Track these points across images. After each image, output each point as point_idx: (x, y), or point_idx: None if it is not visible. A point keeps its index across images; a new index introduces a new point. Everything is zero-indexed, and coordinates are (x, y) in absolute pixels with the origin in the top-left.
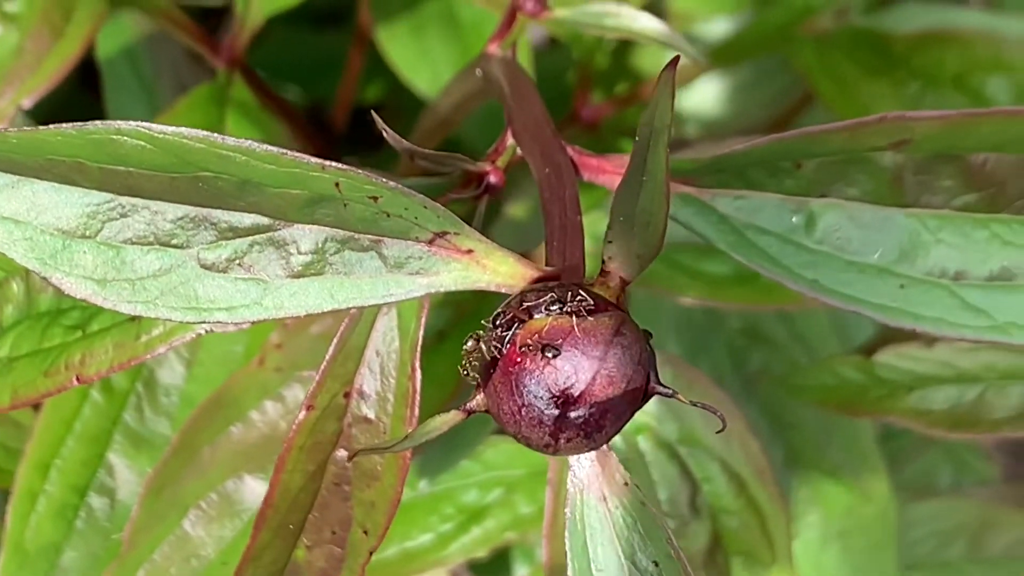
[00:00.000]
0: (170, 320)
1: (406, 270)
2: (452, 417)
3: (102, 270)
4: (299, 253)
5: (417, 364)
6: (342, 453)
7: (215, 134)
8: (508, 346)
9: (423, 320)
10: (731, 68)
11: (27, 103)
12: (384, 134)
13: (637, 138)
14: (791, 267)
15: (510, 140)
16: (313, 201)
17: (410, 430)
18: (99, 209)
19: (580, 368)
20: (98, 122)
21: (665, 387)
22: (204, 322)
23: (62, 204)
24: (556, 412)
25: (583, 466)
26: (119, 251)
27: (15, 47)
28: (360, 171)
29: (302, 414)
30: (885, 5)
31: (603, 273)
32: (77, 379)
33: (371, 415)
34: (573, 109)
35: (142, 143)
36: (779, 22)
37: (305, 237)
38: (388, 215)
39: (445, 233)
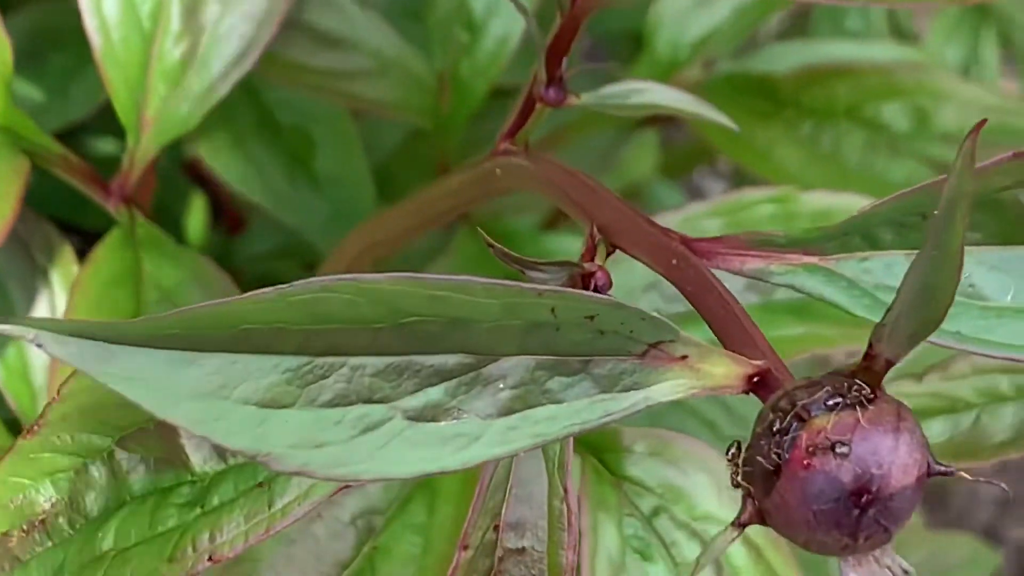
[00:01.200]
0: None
1: (619, 387)
2: (729, 535)
3: (309, 438)
4: (508, 388)
5: (570, 485)
6: None
7: (427, 275)
8: (791, 450)
9: (570, 439)
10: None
11: None
12: (491, 250)
13: (937, 211)
14: None
15: (597, 237)
16: (525, 330)
17: (569, 554)
18: (296, 375)
19: (875, 462)
20: (301, 281)
21: (943, 466)
22: (421, 474)
23: (257, 375)
24: (856, 511)
25: (860, 563)
26: (321, 415)
27: None
28: (575, 292)
29: (458, 555)
30: (747, 49)
31: (868, 357)
32: (210, 559)
33: (523, 545)
34: None
35: (351, 297)
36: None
37: (513, 370)
38: (603, 333)
39: (660, 343)
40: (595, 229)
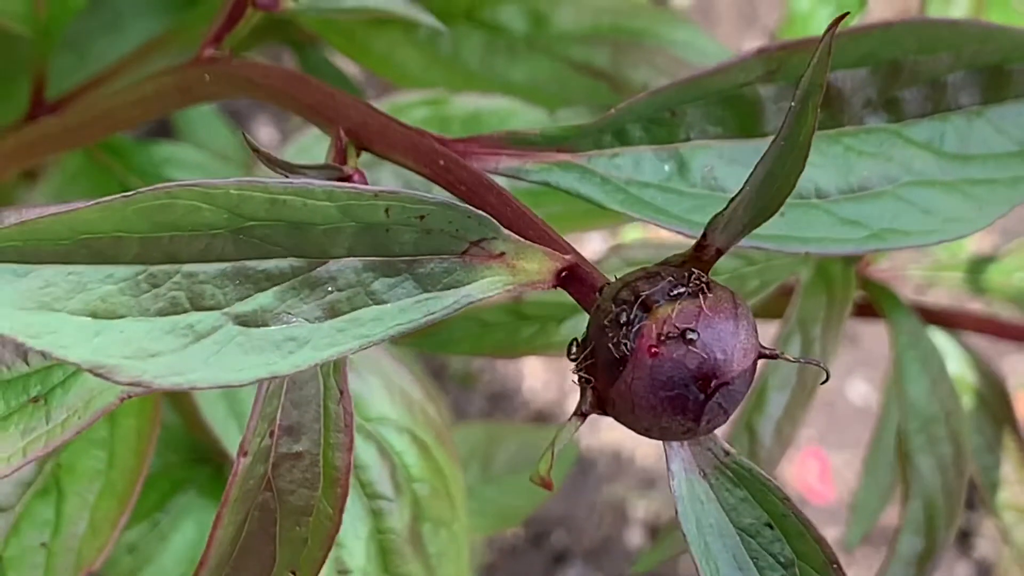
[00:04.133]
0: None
1: (440, 286)
2: (574, 424)
3: (143, 348)
4: (336, 290)
5: (346, 386)
6: (266, 495)
7: (268, 179)
8: (638, 339)
9: None
10: None
11: None
12: (256, 154)
13: (792, 103)
14: (679, 215)
15: (345, 140)
16: (357, 233)
17: (345, 455)
18: (129, 284)
19: (721, 347)
20: (146, 188)
21: (770, 349)
22: (253, 381)
23: (91, 286)
24: (702, 396)
25: (683, 446)
26: (154, 324)
27: None
28: (408, 192)
29: (238, 462)
30: None
31: (700, 247)
32: None
33: (299, 448)
34: None
35: (194, 202)
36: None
37: (341, 272)
38: (429, 232)
39: (482, 240)
40: (342, 132)
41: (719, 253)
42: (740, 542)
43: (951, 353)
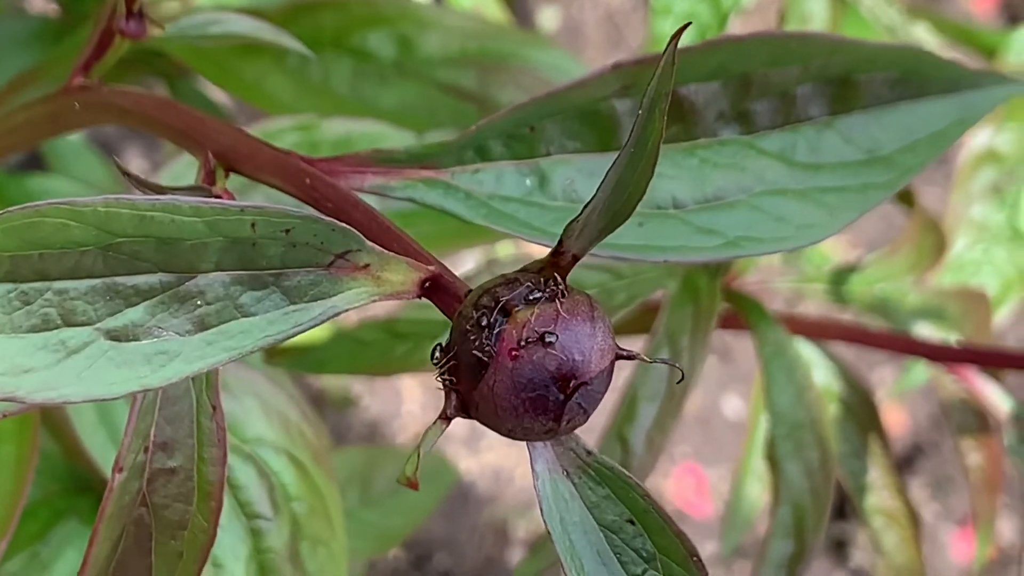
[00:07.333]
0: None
1: (307, 298)
2: (439, 428)
3: (16, 364)
4: (205, 304)
5: (219, 401)
6: (141, 511)
7: (136, 196)
8: (499, 343)
9: None
10: None
11: None
12: (126, 178)
13: (640, 110)
14: (541, 228)
15: (213, 162)
16: (224, 247)
17: (219, 470)
18: (1, 302)
19: (579, 348)
20: (15, 207)
21: (626, 351)
22: (126, 394)
23: None
24: (561, 396)
25: (546, 447)
26: (27, 341)
27: None
28: (275, 206)
29: (113, 478)
30: None
31: (557, 253)
32: None
33: (173, 464)
34: None
35: (63, 220)
36: None
37: (210, 286)
38: (295, 245)
39: (347, 252)
40: (210, 155)
41: (575, 259)
42: (603, 538)
43: (817, 363)
